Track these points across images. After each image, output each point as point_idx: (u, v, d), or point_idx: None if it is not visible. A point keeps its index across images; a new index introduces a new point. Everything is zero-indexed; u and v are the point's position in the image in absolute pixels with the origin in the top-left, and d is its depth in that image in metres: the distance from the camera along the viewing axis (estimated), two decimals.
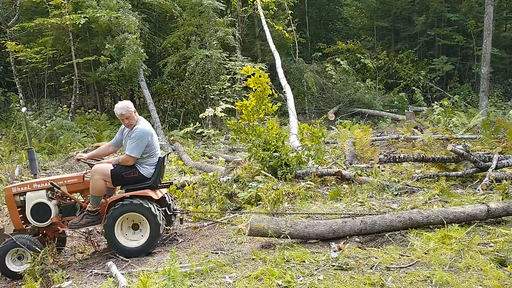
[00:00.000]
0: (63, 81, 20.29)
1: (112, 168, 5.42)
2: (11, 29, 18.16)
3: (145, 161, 5.55)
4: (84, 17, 16.15)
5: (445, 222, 5.42)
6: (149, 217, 5.30)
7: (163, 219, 5.49)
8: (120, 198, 5.37)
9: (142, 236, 5.39)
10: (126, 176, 5.45)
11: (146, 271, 4.58)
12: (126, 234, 5.41)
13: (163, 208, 5.71)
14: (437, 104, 16.16)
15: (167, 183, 6.03)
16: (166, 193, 5.99)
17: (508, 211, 5.64)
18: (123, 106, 5.55)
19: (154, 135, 5.68)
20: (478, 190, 7.36)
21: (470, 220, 5.57)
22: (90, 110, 19.03)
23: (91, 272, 4.96)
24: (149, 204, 5.34)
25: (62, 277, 4.73)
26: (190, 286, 4.21)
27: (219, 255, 5.07)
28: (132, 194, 5.37)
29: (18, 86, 18.44)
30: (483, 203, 5.75)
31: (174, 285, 4.18)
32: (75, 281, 4.70)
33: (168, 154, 6.20)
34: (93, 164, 5.63)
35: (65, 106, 18.03)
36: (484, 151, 9.87)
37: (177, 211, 6.20)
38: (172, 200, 6.15)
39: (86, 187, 5.60)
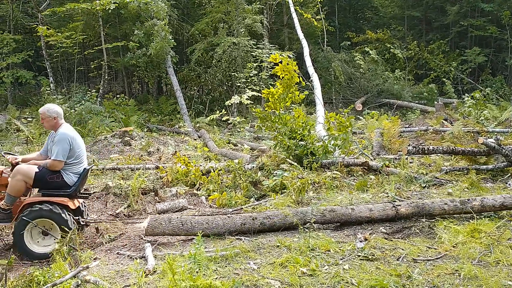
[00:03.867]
0: (92, 66, 20.60)
1: (37, 170, 5.31)
2: (42, 13, 18.46)
3: (70, 168, 5.43)
4: (114, 3, 16.28)
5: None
6: (63, 228, 5.14)
7: (75, 229, 5.32)
8: (38, 202, 5.23)
9: (51, 243, 5.23)
10: (49, 180, 5.33)
11: (172, 254, 4.62)
12: (38, 241, 5.27)
13: (77, 217, 5.60)
14: (468, 97, 15.80)
15: (86, 193, 5.91)
16: (81, 203, 5.89)
17: (419, 215, 5.51)
18: (45, 107, 5.49)
19: (80, 143, 5.56)
20: (509, 184, 7.19)
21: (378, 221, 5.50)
22: (118, 95, 19.27)
23: (118, 253, 5.03)
24: (68, 215, 5.22)
25: (90, 258, 4.81)
26: (215, 270, 4.23)
27: (243, 241, 5.08)
28: (51, 201, 5.23)
29: (48, 70, 18.81)
30: (394, 207, 5.50)
31: (200, 269, 4.20)
32: (102, 261, 4.77)
33: (91, 167, 6.11)
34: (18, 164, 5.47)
35: (94, 91, 18.29)
36: None
37: (90, 221, 6.08)
38: (85, 209, 6.06)
39: (2, 183, 5.48)
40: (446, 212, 5.51)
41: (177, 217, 5.24)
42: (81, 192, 5.72)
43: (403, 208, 5.49)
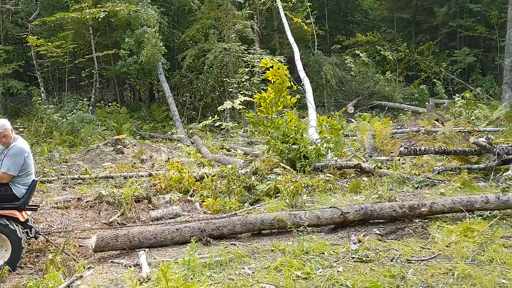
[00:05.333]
0: (83, 75, 20.50)
1: None
2: (32, 23, 18.41)
3: (20, 180, 5.33)
4: (103, 11, 16.28)
5: None
6: (13, 240, 5.05)
7: (26, 242, 5.25)
8: None
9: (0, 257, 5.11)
10: None
11: (166, 262, 4.60)
12: None
13: (25, 230, 5.45)
14: (458, 97, 15.88)
15: (34, 206, 5.80)
16: (29, 215, 5.73)
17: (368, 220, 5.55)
18: (1, 124, 5.33)
19: (30, 155, 5.49)
20: (501, 183, 7.22)
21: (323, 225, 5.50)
22: (110, 104, 19.21)
23: (111, 262, 5.01)
24: (15, 226, 5.11)
25: (84, 267, 4.79)
26: (210, 276, 4.23)
27: (237, 246, 5.08)
28: (2, 214, 5.11)
29: (39, 80, 18.75)
30: (342, 214, 5.49)
31: (194, 275, 4.20)
32: (96, 270, 4.75)
33: (40, 178, 6.01)
34: None
35: (86, 99, 18.21)
36: (507, 143, 9.63)
37: (39, 234, 5.92)
38: (34, 223, 5.91)
39: None
40: (394, 218, 5.52)
41: (124, 234, 5.25)
42: (29, 204, 5.57)
43: (351, 216, 5.49)
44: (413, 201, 5.69)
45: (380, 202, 6.29)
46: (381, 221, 5.63)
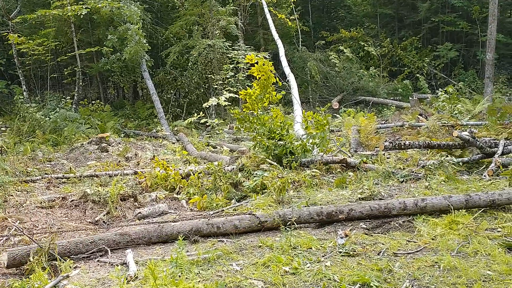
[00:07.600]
0: (66, 73, 20.30)
1: None
2: (13, 21, 18.14)
3: None
4: (85, 8, 16.12)
5: None
6: None
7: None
8: None
9: None
10: None
11: (153, 260, 4.58)
12: None
13: None
14: (441, 91, 16.05)
15: None
16: None
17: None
18: None
19: None
20: (485, 176, 7.33)
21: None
22: (93, 102, 19.03)
23: (98, 260, 4.96)
24: None
25: (70, 266, 4.73)
26: (198, 273, 4.21)
27: (225, 243, 5.07)
28: None
29: (21, 79, 18.49)
30: (260, 223, 5.39)
31: (182, 273, 4.18)
32: (83, 270, 4.70)
33: None
34: None
35: (69, 97, 18.05)
36: (490, 137, 9.80)
37: None
38: None
39: None
40: (310, 224, 5.55)
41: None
42: None
43: (269, 224, 5.44)
44: (331, 207, 5.65)
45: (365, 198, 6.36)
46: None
